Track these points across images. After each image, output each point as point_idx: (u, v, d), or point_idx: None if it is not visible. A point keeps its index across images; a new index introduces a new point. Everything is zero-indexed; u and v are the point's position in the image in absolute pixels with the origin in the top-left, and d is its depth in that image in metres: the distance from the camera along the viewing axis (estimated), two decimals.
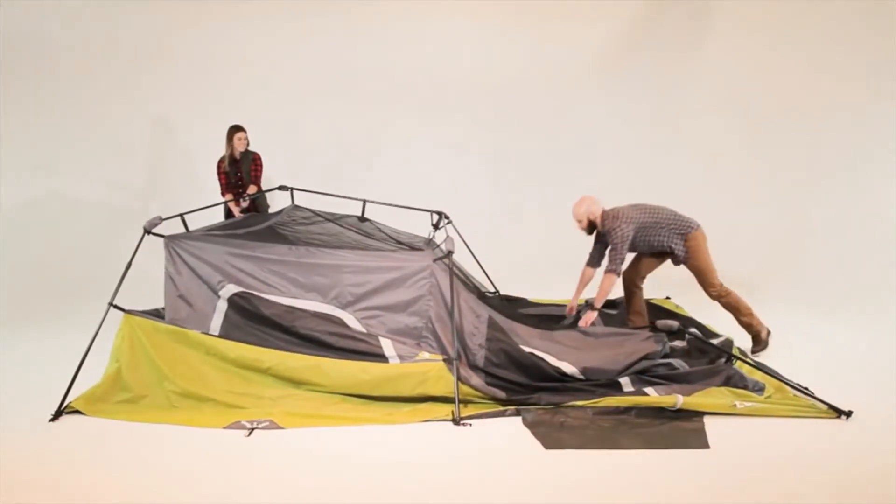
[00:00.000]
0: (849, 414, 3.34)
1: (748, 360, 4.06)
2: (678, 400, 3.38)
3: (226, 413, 3.51)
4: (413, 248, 4.40)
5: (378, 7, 7.61)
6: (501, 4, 7.68)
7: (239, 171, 5.75)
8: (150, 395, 3.68)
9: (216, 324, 3.90)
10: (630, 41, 7.76)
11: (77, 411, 3.49)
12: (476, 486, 2.78)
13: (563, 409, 3.49)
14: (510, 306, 5.23)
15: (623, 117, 7.78)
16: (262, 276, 3.96)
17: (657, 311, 5.24)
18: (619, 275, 4.51)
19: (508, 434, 3.27)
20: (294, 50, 7.65)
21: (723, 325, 4.75)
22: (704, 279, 4.53)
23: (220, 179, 5.80)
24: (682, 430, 3.26)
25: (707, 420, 3.34)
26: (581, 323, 4.53)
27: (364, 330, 3.87)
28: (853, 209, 7.27)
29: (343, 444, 3.19)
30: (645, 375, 3.83)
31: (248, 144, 5.78)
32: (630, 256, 4.77)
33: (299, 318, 3.85)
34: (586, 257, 4.84)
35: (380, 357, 3.73)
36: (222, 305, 3.91)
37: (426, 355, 3.74)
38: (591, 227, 4.68)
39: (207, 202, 5.15)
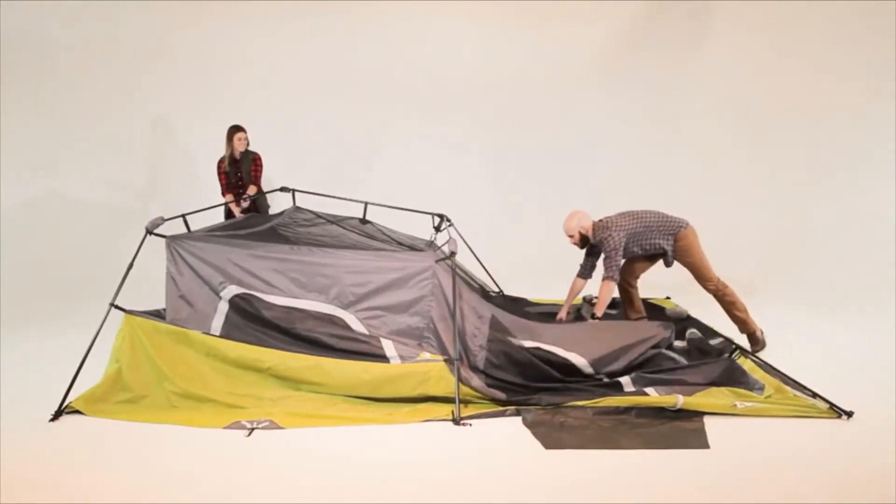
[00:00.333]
0: (850, 414, 3.34)
1: (751, 357, 4.08)
2: (678, 400, 3.38)
3: (226, 413, 3.51)
4: (415, 248, 4.40)
5: (378, 7, 7.61)
6: (501, 4, 7.68)
7: (239, 172, 5.76)
8: (151, 395, 3.67)
9: (217, 324, 3.89)
10: (630, 41, 7.76)
11: (77, 411, 3.49)
12: (476, 486, 2.78)
13: (563, 409, 3.48)
14: (514, 306, 5.24)
15: (623, 117, 7.79)
16: (264, 277, 3.95)
17: (657, 310, 5.25)
18: (616, 281, 4.56)
19: (508, 434, 3.27)
20: (294, 50, 7.66)
21: (723, 325, 4.75)
22: (700, 274, 4.56)
23: (220, 180, 5.80)
24: (682, 430, 3.25)
25: (707, 420, 3.34)
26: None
27: (365, 331, 3.86)
28: (853, 209, 7.27)
29: (343, 444, 3.18)
30: (648, 373, 3.82)
31: (248, 144, 5.78)
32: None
33: (300, 320, 3.85)
34: (577, 269, 4.90)
35: (381, 357, 3.72)
36: (223, 306, 3.91)
37: (427, 356, 3.74)
38: (583, 241, 4.75)
39: (208, 202, 5.16)
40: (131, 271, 3.94)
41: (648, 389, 3.63)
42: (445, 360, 3.61)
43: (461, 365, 3.64)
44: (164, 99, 7.61)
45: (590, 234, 4.69)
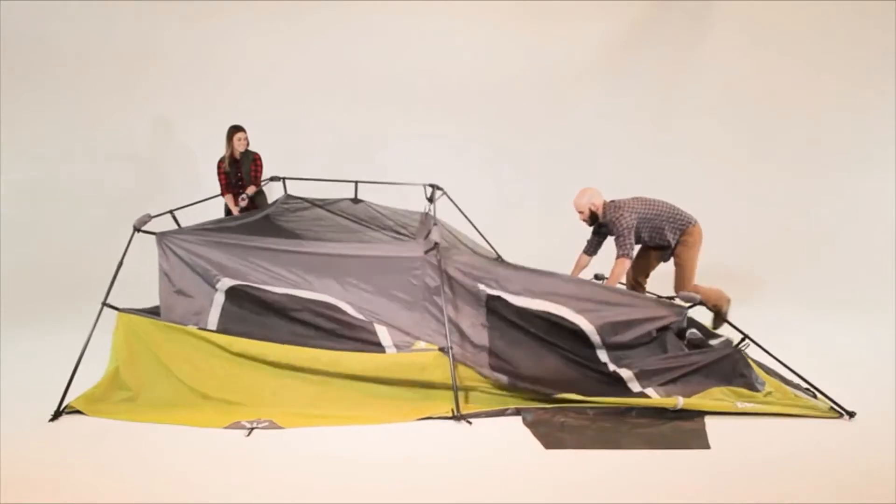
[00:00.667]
0: (852, 414, 3.34)
1: (751, 360, 4.07)
2: (678, 401, 3.38)
3: (226, 413, 3.50)
4: (406, 234, 4.38)
5: (378, 7, 7.61)
6: (501, 4, 7.68)
7: (239, 172, 5.75)
8: (148, 392, 3.68)
9: (213, 318, 3.90)
10: (630, 41, 7.76)
11: (77, 411, 3.49)
12: (476, 485, 2.78)
13: (564, 409, 3.48)
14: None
15: (623, 117, 7.79)
16: (256, 268, 3.97)
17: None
18: (630, 259, 4.52)
19: (508, 434, 3.27)
20: (294, 50, 7.66)
21: (724, 327, 4.74)
22: (683, 276, 4.58)
23: (220, 180, 5.79)
24: (682, 430, 3.26)
25: (707, 420, 3.34)
26: None
27: (361, 317, 3.87)
28: (853, 209, 7.27)
29: (343, 444, 3.18)
30: (652, 368, 3.74)
31: (248, 144, 5.78)
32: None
33: (295, 309, 3.87)
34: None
35: (376, 346, 3.75)
36: (219, 298, 3.91)
37: (422, 344, 3.76)
38: (592, 219, 4.72)
39: (208, 202, 5.16)
40: (127, 271, 3.95)
41: (649, 391, 3.62)
42: (441, 350, 3.62)
43: (458, 350, 3.65)
44: (164, 99, 7.61)
45: (600, 212, 4.67)
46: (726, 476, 2.82)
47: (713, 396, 3.55)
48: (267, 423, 3.36)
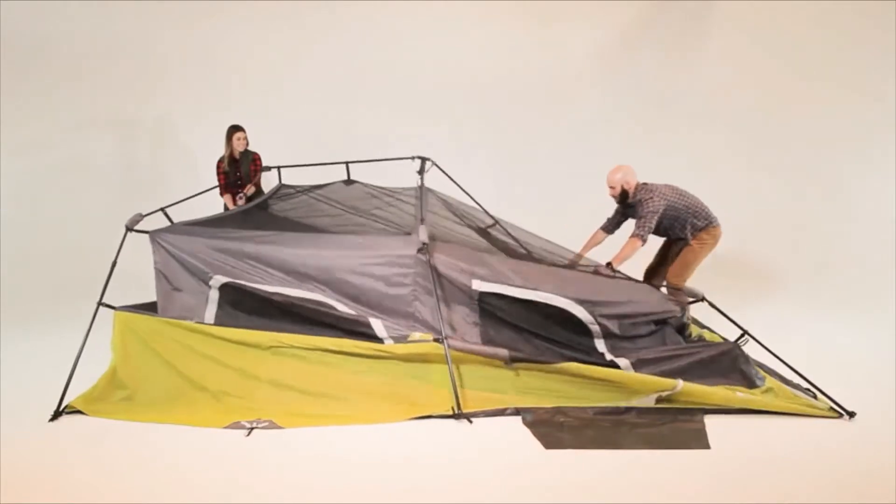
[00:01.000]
0: (852, 414, 3.34)
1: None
2: (679, 384, 3.37)
3: (226, 413, 3.50)
4: (401, 215, 4.36)
5: (379, 7, 7.61)
6: (501, 5, 7.68)
7: (238, 171, 5.76)
8: (145, 389, 3.68)
9: (210, 313, 3.93)
10: (629, 41, 7.76)
11: (77, 411, 3.49)
12: (476, 485, 2.78)
13: (564, 409, 3.48)
14: (513, 242, 4.97)
15: (622, 117, 7.78)
16: (248, 264, 3.98)
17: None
18: (644, 241, 4.47)
19: (508, 434, 3.27)
20: (294, 50, 7.66)
21: (723, 325, 4.74)
22: (678, 273, 4.55)
23: (219, 179, 5.79)
24: (682, 430, 3.25)
25: (707, 420, 3.34)
26: None
27: (353, 312, 3.89)
28: (853, 210, 7.27)
29: (343, 444, 3.18)
30: (650, 357, 3.72)
31: (247, 144, 5.78)
32: (653, 250, 4.82)
33: (289, 305, 3.88)
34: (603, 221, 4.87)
35: (374, 338, 3.77)
36: (214, 295, 3.93)
37: (418, 335, 3.78)
38: (622, 197, 4.67)
39: (207, 203, 5.16)
40: (125, 271, 3.96)
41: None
42: (435, 340, 3.63)
43: (454, 338, 3.67)
44: (164, 99, 7.61)
45: (631, 191, 4.64)
46: (726, 476, 2.82)
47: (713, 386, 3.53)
48: (267, 423, 3.36)
